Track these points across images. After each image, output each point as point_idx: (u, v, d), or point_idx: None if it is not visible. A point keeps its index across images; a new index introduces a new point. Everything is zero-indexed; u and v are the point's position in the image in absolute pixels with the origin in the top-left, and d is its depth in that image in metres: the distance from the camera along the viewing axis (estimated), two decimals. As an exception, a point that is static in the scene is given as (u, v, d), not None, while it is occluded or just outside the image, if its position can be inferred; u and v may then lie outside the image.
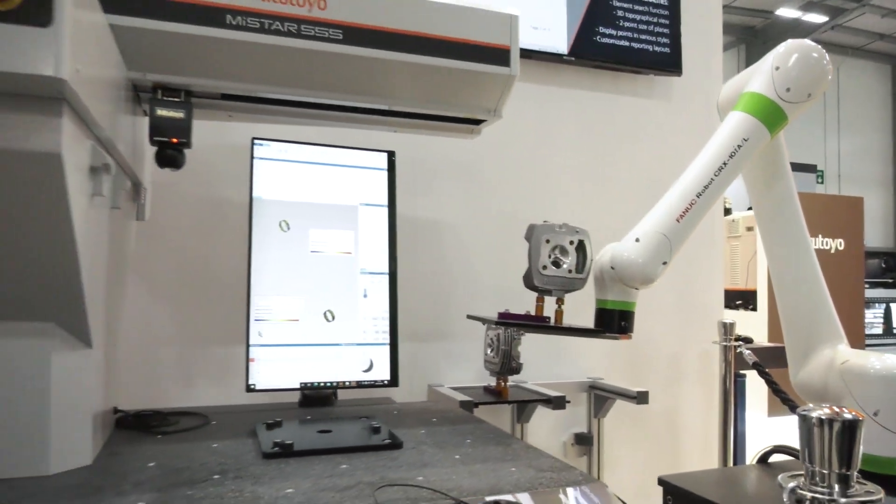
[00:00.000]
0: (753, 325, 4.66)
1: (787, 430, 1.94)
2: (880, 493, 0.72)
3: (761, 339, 4.49)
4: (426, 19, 1.39)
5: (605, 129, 2.38)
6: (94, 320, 1.05)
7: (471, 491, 0.95)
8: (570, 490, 0.98)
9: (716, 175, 1.29)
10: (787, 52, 1.36)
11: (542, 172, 2.28)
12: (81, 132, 0.92)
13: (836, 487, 0.69)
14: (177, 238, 1.81)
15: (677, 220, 1.25)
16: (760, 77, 1.37)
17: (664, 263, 1.24)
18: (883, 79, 16.99)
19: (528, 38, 2.17)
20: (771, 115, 1.33)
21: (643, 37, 2.37)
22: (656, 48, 2.39)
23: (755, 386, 3.04)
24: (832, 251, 5.25)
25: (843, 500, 0.68)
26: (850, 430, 0.69)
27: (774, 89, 1.33)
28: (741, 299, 5.11)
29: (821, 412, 0.70)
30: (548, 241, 1.31)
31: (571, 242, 1.32)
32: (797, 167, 12.77)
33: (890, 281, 14.17)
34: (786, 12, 14.01)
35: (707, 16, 2.57)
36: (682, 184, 1.31)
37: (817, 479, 0.70)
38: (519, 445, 1.26)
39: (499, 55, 1.45)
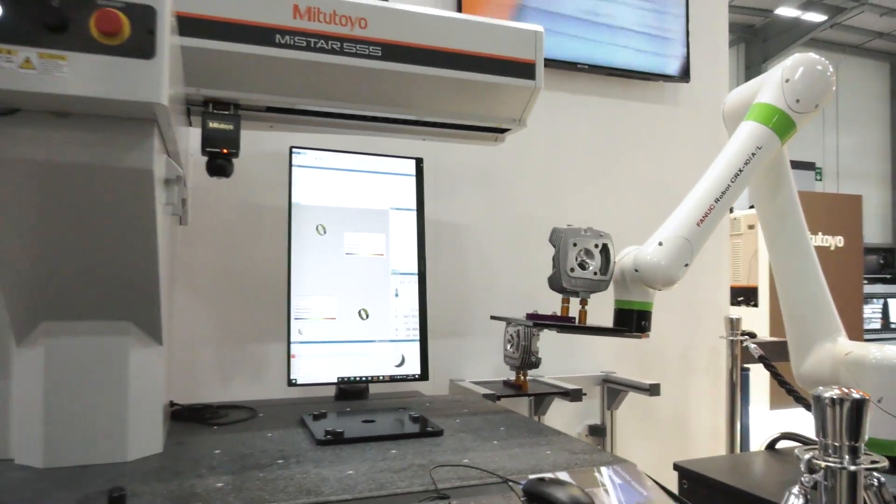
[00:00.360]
0: (755, 321, 4.77)
1: (788, 422, 2.05)
2: (885, 462, 0.82)
3: (763, 334, 4.59)
4: (458, 36, 1.48)
5: (615, 134, 2.48)
6: (165, 319, 1.15)
7: (514, 471, 1.05)
8: (603, 469, 1.08)
9: (732, 181, 1.39)
10: (794, 65, 1.46)
11: (555, 176, 2.38)
12: (161, 148, 1.02)
13: (847, 457, 0.79)
14: (215, 241, 1.91)
15: (697, 225, 1.34)
16: (771, 89, 1.47)
17: (686, 265, 1.34)
18: (881, 76, 17.09)
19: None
20: (782, 124, 1.43)
21: (654, 46, 2.47)
22: (667, 57, 2.49)
23: (757, 380, 3.15)
24: (832, 248, 5.35)
25: (852, 467, 0.78)
26: (857, 408, 0.79)
27: (785, 100, 1.43)
28: (743, 296, 5.21)
29: (833, 393, 0.80)
30: (574, 245, 1.39)
31: (596, 246, 1.40)
32: (796, 165, 12.88)
33: (888, 276, 14.28)
34: (785, 11, 14.09)
35: (714, 24, 2.67)
36: (700, 189, 1.41)
37: (830, 451, 0.80)
38: (550, 432, 1.36)
39: (525, 69, 1.55)
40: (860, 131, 16.32)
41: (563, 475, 1.03)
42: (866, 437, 0.79)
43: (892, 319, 11.94)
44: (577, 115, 2.42)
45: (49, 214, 0.94)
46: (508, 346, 2.06)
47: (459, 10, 2.17)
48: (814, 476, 0.82)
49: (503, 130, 1.72)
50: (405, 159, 1.82)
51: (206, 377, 1.88)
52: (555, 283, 1.42)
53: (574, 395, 2.07)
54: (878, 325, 11.54)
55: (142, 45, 0.83)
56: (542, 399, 2.20)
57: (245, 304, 1.92)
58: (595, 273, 1.40)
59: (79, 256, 1.00)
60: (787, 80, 1.44)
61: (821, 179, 15.48)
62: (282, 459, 1.12)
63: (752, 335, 2.76)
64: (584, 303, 1.44)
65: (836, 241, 5.33)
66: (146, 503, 0.89)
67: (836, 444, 0.79)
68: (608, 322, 1.43)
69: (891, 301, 11.80)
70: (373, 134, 1.71)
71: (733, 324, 2.63)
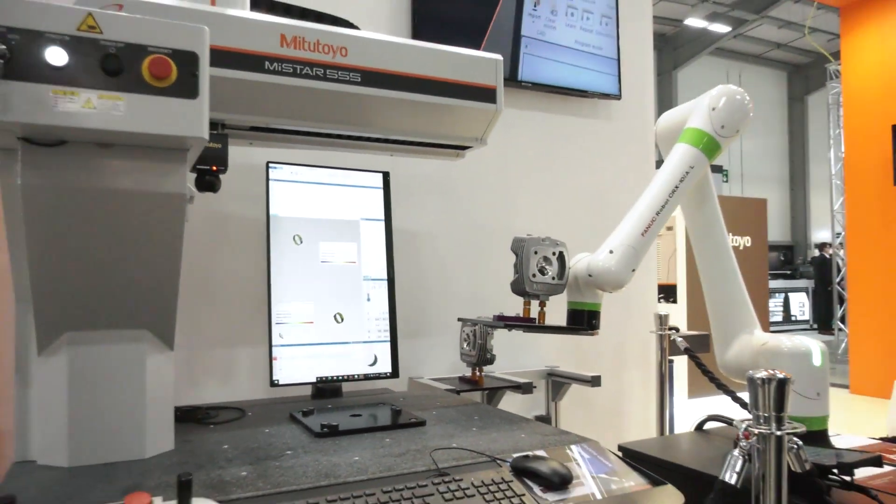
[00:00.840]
0: (675, 316, 5.14)
1: (704, 408, 2.30)
2: (802, 427, 1.03)
3: (683, 328, 4.94)
4: (429, 63, 1.63)
5: (557, 147, 2.69)
6: (175, 327, 1.25)
7: (498, 451, 1.22)
8: (573, 447, 1.26)
9: (670, 196, 1.60)
10: (718, 95, 1.70)
11: (504, 186, 2.57)
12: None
13: (774, 425, 0.99)
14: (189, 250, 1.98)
15: (642, 235, 1.55)
16: (699, 115, 1.70)
17: (633, 271, 1.54)
18: (780, 84, 18.28)
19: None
20: (710, 146, 1.66)
21: (590, 66, 2.70)
22: (600, 76, 2.72)
23: (677, 371, 3.45)
24: (741, 248, 5.84)
25: (778, 432, 0.99)
26: (781, 386, 1.00)
27: (712, 126, 1.66)
28: (663, 293, 5.59)
29: (762, 374, 1.00)
30: (535, 253, 1.57)
31: (554, 253, 1.59)
32: (706, 168, 13.64)
33: (788, 272, 15.37)
34: (694, 22, 14.90)
35: (641, 46, 2.93)
36: (642, 203, 1.62)
37: (761, 420, 1.00)
38: (519, 419, 1.53)
39: (487, 94, 1.72)
40: (762, 136, 17.36)
41: (540, 453, 1.20)
42: (788, 409, 1.00)
43: (792, 312, 12.89)
44: (522, 129, 2.61)
45: (86, 234, 1.04)
46: (465, 345, 2.22)
47: (414, 32, 2.33)
48: (749, 441, 1.02)
49: (465, 147, 1.88)
50: (373, 173, 1.95)
51: (179, 381, 1.95)
52: (518, 288, 1.59)
53: (525, 388, 2.26)
54: (780, 318, 12.45)
55: (187, 87, 0.94)
56: (494, 393, 2.38)
57: (217, 310, 2.00)
58: (553, 278, 1.58)
59: (108, 271, 1.09)
60: (714, 109, 1.67)
61: (727, 181, 16.38)
62: (289, 451, 1.24)
63: (676, 329, 3.05)
64: (543, 305, 1.62)
65: (745, 241, 5.81)
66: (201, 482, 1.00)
67: (766, 414, 1.00)
68: (559, 321, 1.62)
69: (791, 295, 12.74)
70: (347, 151, 1.84)
71: (662, 320, 2.90)
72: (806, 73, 17.69)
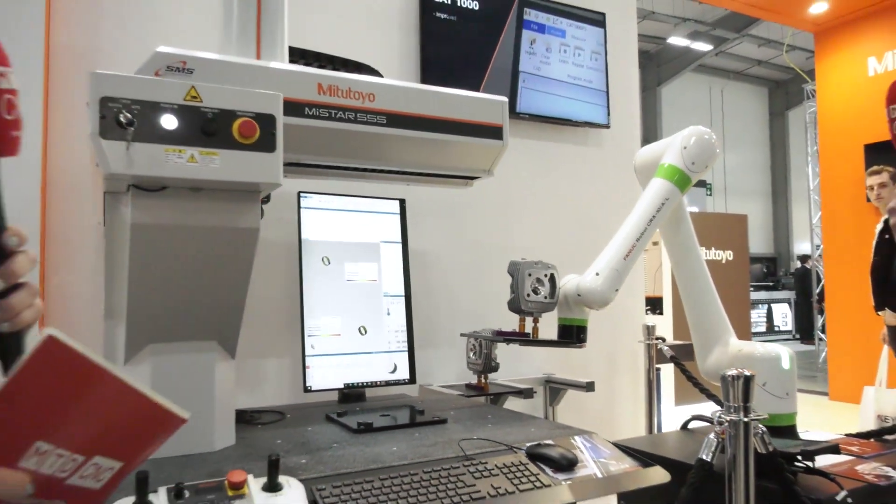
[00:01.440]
0: (662, 327, 5.39)
1: (690, 414, 2.53)
2: (765, 415, 1.26)
3: (669, 338, 5.18)
4: (445, 106, 1.86)
5: (551, 173, 2.94)
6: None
7: (513, 441, 1.44)
8: (577, 437, 1.48)
9: (648, 224, 1.83)
10: (689, 135, 1.93)
11: (503, 209, 2.81)
12: (252, 209, 1.35)
13: (742, 413, 1.22)
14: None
15: (624, 259, 1.77)
16: (672, 153, 1.93)
17: (616, 290, 1.76)
18: (761, 100, 18.71)
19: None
20: (682, 180, 1.89)
21: (581, 98, 2.95)
22: (591, 107, 2.97)
23: (664, 380, 3.69)
24: (723, 261, 6.11)
25: (745, 419, 1.22)
26: (747, 381, 1.23)
27: (683, 163, 1.89)
28: (650, 305, 5.84)
29: (732, 372, 1.24)
30: (530, 275, 1.79)
31: (546, 275, 1.81)
32: (690, 182, 13.91)
33: (771, 284, 15.71)
34: (676, 40, 15.30)
35: (627, 78, 3.19)
36: (624, 230, 1.84)
37: (731, 410, 1.23)
38: (526, 417, 1.76)
39: (495, 131, 1.95)
40: (744, 151, 17.73)
41: (549, 442, 1.43)
42: (753, 400, 1.23)
43: (775, 323, 13.18)
44: (520, 156, 2.85)
45: (177, 262, 1.25)
46: (471, 355, 2.44)
47: (423, 73, 2.56)
48: (722, 426, 1.25)
49: (475, 178, 2.11)
50: (391, 200, 2.18)
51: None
52: (514, 306, 1.81)
53: (527, 394, 2.48)
54: (763, 329, 12.75)
55: (267, 143, 1.17)
56: (498, 398, 2.60)
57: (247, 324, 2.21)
58: (545, 297, 1.80)
59: (190, 292, 1.31)
60: (685, 147, 1.90)
61: (711, 195, 16.71)
62: (336, 444, 1.46)
63: (662, 339, 3.29)
64: (536, 321, 1.84)
65: (727, 255, 6.08)
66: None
67: (735, 405, 1.23)
68: (551, 335, 1.84)
69: (774, 306, 13.03)
70: (368, 181, 2.06)
71: (649, 330, 3.14)
72: (786, 89, 18.14)
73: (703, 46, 15.44)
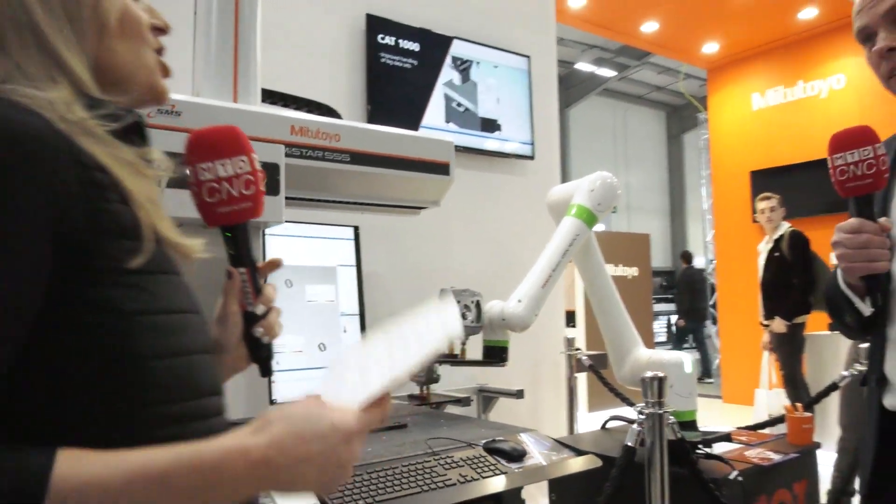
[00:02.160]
0: (576, 338, 5.77)
1: (603, 419, 2.85)
2: (675, 409, 1.57)
3: (583, 347, 5.58)
4: (401, 146, 2.10)
5: (484, 201, 3.23)
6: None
7: (470, 439, 1.68)
8: (521, 434, 1.75)
9: (562, 257, 2.10)
10: (595, 178, 2.23)
11: (441, 233, 3.07)
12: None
13: (657, 407, 1.53)
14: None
15: (542, 287, 2.03)
16: (581, 194, 2.21)
17: (536, 315, 2.02)
18: (660, 123, 19.87)
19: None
20: (590, 219, 2.18)
21: (509, 134, 3.26)
22: (518, 142, 3.29)
23: (579, 389, 4.05)
24: (629, 277, 6.63)
25: (660, 412, 1.52)
26: (661, 381, 1.53)
27: (591, 203, 2.19)
28: (566, 318, 6.24)
29: (649, 374, 1.54)
30: (458, 302, 2.03)
31: (472, 302, 2.06)
32: (597, 201, 14.58)
33: (670, 297, 16.70)
34: (583, 66, 16.13)
35: (548, 115, 3.54)
36: (542, 262, 2.10)
37: (649, 405, 1.54)
38: (475, 420, 2.01)
39: (443, 168, 2.21)
40: (645, 171, 18.73)
41: (501, 438, 1.68)
42: (667, 395, 1.53)
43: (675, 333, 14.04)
44: (456, 186, 3.11)
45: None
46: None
47: (370, 112, 2.80)
48: (642, 420, 1.55)
49: (423, 207, 2.36)
50: (346, 227, 2.40)
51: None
52: None
53: (464, 402, 2.74)
54: (664, 339, 13.59)
55: (272, 187, 1.37)
56: (438, 406, 2.84)
57: (211, 342, 2.36)
58: (472, 322, 2.05)
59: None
60: (592, 190, 2.20)
61: (616, 213, 17.58)
62: (316, 446, 1.65)
63: (579, 349, 3.63)
64: (464, 343, 2.08)
65: (632, 272, 6.61)
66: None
67: (652, 401, 1.53)
68: (476, 355, 2.11)
69: (673, 318, 13.90)
70: (328, 210, 2.27)
71: (569, 342, 3.48)
72: (682, 114, 19.38)
73: (607, 72, 16.33)
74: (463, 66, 3.16)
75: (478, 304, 2.03)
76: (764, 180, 6.36)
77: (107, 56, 0.70)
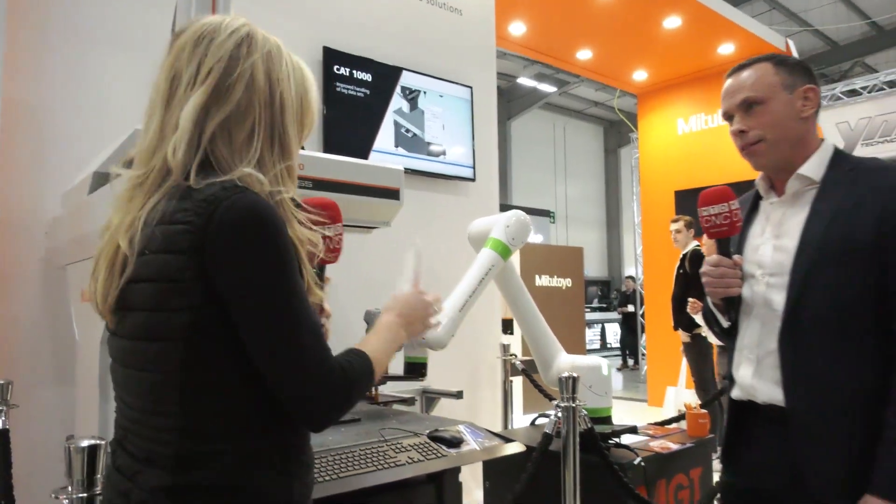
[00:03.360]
0: (513, 345, 6.12)
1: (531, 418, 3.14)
2: (585, 402, 1.90)
3: (519, 354, 5.92)
4: (357, 174, 2.38)
5: (430, 218, 3.53)
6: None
7: (417, 430, 1.97)
8: (461, 426, 2.05)
9: (479, 284, 2.34)
10: (511, 216, 2.48)
11: (388, 249, 3.34)
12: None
13: (571, 402, 1.85)
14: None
15: (459, 311, 2.27)
16: (498, 229, 2.46)
17: (452, 335, 2.25)
18: (598, 137, 20.58)
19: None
20: (504, 252, 2.44)
21: (453, 158, 3.58)
22: (460, 165, 3.61)
23: (515, 392, 4.39)
24: (563, 287, 7.04)
25: (573, 404, 1.85)
26: (575, 380, 1.86)
27: (506, 238, 2.47)
28: (503, 325, 6.59)
29: (566, 374, 1.86)
30: None
31: None
32: (535, 212, 15.03)
33: (604, 305, 17.39)
34: (525, 81, 16.67)
35: (488, 141, 3.87)
36: (461, 288, 2.34)
37: (564, 399, 1.86)
38: (421, 415, 2.30)
39: (394, 193, 2.50)
40: (583, 183, 19.35)
41: (443, 428, 1.98)
42: (583, 395, 1.86)
43: (608, 341, 14.66)
44: (404, 205, 3.41)
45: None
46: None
47: (325, 140, 3.06)
48: (557, 410, 1.88)
49: (375, 227, 2.64)
50: (305, 243, 2.65)
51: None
52: None
53: (409, 402, 3.02)
54: (598, 346, 14.17)
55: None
56: (386, 404, 3.12)
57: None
58: None
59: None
60: (508, 226, 2.49)
61: (554, 222, 18.10)
62: (282, 437, 1.91)
63: (515, 356, 3.98)
64: None
65: (566, 283, 7.02)
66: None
67: (567, 396, 1.86)
68: (397, 370, 2.40)
69: (607, 325, 14.52)
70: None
71: (505, 348, 3.81)
72: (618, 130, 20.16)
73: (548, 88, 16.91)
74: (411, 96, 3.46)
75: None
76: (687, 200, 6.87)
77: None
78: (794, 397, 1.31)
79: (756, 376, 1.39)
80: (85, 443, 1.11)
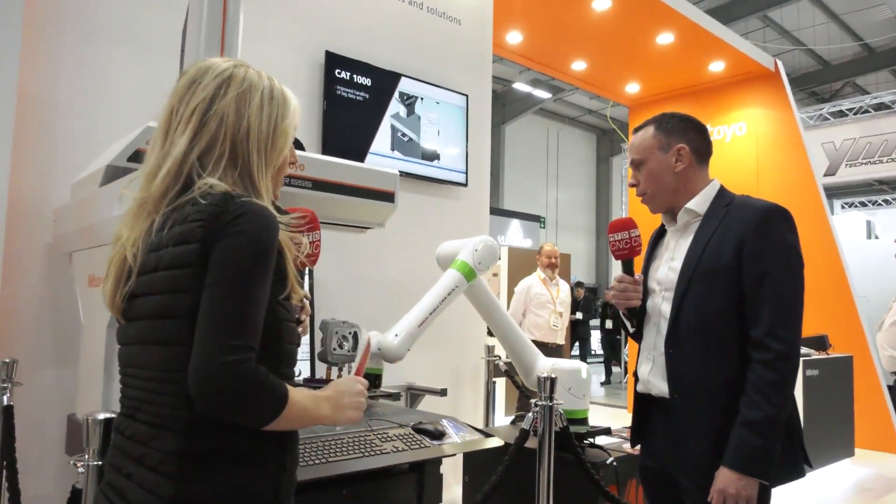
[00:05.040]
0: (497, 346, 6.23)
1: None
2: (562, 401, 2.02)
3: (503, 355, 6.03)
4: (354, 176, 2.49)
5: (421, 219, 3.64)
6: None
7: (402, 422, 2.09)
8: (444, 420, 2.17)
9: (440, 303, 2.39)
10: (479, 241, 2.55)
11: (383, 247, 3.46)
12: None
13: (548, 401, 1.97)
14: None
15: (419, 326, 2.31)
16: (467, 252, 2.53)
17: (408, 349, 2.28)
18: (590, 145, 20.71)
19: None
20: (470, 274, 2.49)
21: (446, 162, 3.69)
22: (453, 169, 3.73)
23: (498, 394, 4.51)
24: (550, 292, 7.17)
25: (549, 403, 1.96)
26: (553, 381, 1.98)
27: (473, 261, 2.53)
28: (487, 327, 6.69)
29: (544, 375, 1.98)
30: (336, 333, 2.30)
31: (350, 333, 2.32)
32: (526, 217, 15.13)
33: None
34: (520, 86, 16.79)
35: (481, 148, 3.99)
36: (422, 304, 2.38)
37: (542, 398, 1.97)
38: (406, 409, 2.41)
39: (389, 196, 2.61)
40: (574, 189, 19.45)
41: (427, 422, 2.09)
42: (561, 396, 1.98)
43: (592, 347, 14.77)
44: (399, 207, 3.53)
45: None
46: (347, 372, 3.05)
47: (324, 142, 3.17)
48: (535, 408, 1.99)
49: (369, 227, 2.75)
50: (302, 240, 2.76)
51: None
52: (323, 357, 2.27)
53: (395, 397, 3.13)
54: (579, 352, 14.26)
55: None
56: (373, 399, 3.23)
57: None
58: (349, 351, 2.29)
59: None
60: (476, 250, 2.55)
61: (544, 227, 18.22)
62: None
63: (498, 357, 4.10)
64: (341, 369, 2.33)
65: (553, 288, 7.15)
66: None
67: (545, 395, 1.97)
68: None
69: (592, 331, 14.63)
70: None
71: (489, 350, 3.93)
72: (611, 138, 20.32)
73: (543, 94, 17.04)
74: (409, 101, 3.58)
75: (355, 335, 2.24)
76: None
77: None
78: (674, 390, 1.62)
79: (652, 373, 1.70)
80: (101, 416, 1.22)
